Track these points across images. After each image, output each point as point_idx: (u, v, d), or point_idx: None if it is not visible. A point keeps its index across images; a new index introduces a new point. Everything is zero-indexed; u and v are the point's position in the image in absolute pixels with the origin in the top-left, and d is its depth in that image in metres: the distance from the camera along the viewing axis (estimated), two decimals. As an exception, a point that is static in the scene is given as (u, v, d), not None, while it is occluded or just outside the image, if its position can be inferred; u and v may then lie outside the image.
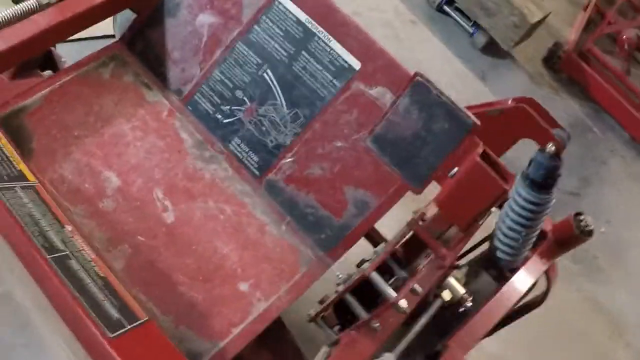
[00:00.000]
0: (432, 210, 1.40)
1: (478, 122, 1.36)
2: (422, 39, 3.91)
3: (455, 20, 4.02)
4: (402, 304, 1.33)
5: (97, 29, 1.98)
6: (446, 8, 4.03)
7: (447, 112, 1.40)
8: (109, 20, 2.11)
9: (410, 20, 3.99)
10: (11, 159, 1.29)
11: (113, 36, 2.45)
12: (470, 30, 3.96)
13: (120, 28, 2.04)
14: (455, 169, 1.37)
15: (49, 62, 2.05)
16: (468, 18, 3.96)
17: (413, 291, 1.37)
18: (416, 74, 1.41)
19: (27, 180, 1.28)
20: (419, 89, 1.40)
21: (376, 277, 1.37)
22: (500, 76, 3.94)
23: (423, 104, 1.41)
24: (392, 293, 1.34)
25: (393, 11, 3.98)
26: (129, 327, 1.11)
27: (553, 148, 1.31)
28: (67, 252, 1.16)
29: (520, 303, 1.70)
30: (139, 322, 1.14)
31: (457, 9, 3.99)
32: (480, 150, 1.35)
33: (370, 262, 1.42)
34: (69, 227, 1.22)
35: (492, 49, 3.94)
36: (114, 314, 1.12)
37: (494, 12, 3.75)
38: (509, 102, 1.50)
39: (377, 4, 3.93)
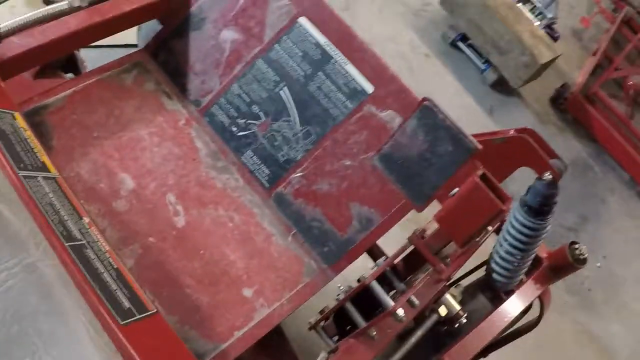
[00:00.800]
0: (432, 228, 1.46)
1: (480, 147, 1.43)
2: (435, 72, 4.00)
3: (468, 56, 4.11)
4: (399, 312, 1.38)
5: (120, 38, 2.06)
6: (460, 44, 4.12)
7: (451, 136, 1.46)
8: (132, 30, 2.18)
9: (425, 54, 4.08)
10: (35, 150, 1.34)
11: (134, 45, 2.52)
12: (482, 66, 4.05)
13: (143, 38, 2.11)
14: (456, 189, 1.43)
15: (72, 64, 2.12)
16: (480, 55, 4.04)
17: (410, 303, 1.42)
18: (425, 99, 1.48)
19: (49, 171, 1.32)
20: (427, 113, 1.46)
21: (376, 286, 1.42)
22: (507, 112, 4.01)
23: (429, 126, 1.48)
24: (390, 301, 1.39)
25: (408, 44, 4.07)
26: (138, 316, 1.16)
27: (550, 177, 1.38)
28: (84, 242, 1.20)
29: (515, 326, 1.74)
30: (148, 313, 1.19)
31: (471, 46, 4.08)
32: (480, 172, 1.41)
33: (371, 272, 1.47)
34: (86, 219, 1.26)
35: (501, 86, 4.03)
36: (125, 303, 1.16)
37: (506, 51, 3.83)
38: (511, 132, 1.56)
39: (393, 35, 4.02)
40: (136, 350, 1.07)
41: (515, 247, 1.54)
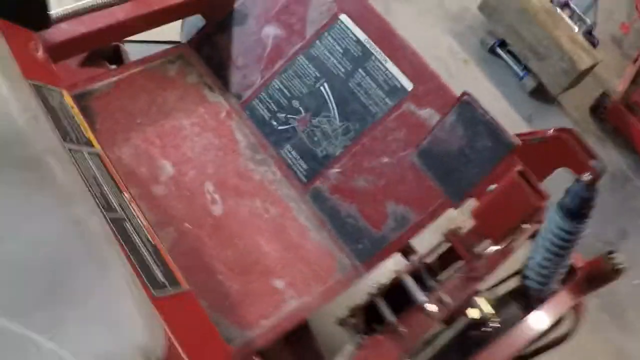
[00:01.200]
0: (467, 226, 1.46)
1: (519, 142, 1.43)
2: (473, 78, 3.98)
3: (507, 62, 4.08)
4: (430, 308, 1.38)
5: (163, 34, 2.10)
6: (498, 50, 4.09)
7: (490, 131, 1.47)
8: (175, 27, 2.22)
9: (463, 60, 4.06)
10: (81, 126, 1.36)
11: (177, 42, 2.58)
12: (520, 73, 4.01)
13: (186, 33, 2.15)
14: (494, 186, 1.42)
15: (117, 56, 2.17)
16: (519, 61, 4.01)
17: (442, 301, 1.42)
18: (464, 93, 1.49)
19: (93, 147, 1.35)
20: (466, 107, 1.48)
21: (409, 280, 1.42)
22: (545, 121, 3.96)
23: (468, 121, 1.49)
24: (422, 296, 1.40)
25: (447, 50, 4.06)
26: (172, 291, 1.17)
27: (589, 178, 1.37)
28: (124, 216, 1.22)
29: (546, 338, 1.72)
30: (181, 289, 1.20)
31: (509, 52, 4.05)
32: (519, 167, 1.41)
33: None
34: (126, 195, 1.29)
35: (540, 93, 3.98)
36: (160, 277, 1.17)
37: (545, 57, 3.80)
38: (550, 131, 1.56)
39: (432, 41, 4.01)
40: (167, 323, 1.08)
41: (550, 251, 1.53)
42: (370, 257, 1.69)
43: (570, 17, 4.08)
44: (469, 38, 4.18)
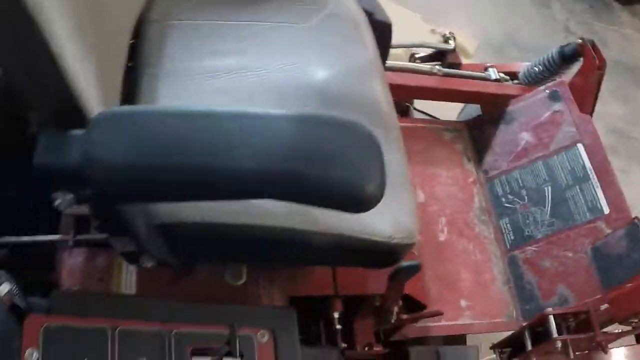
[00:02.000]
0: (604, 307, 1.98)
1: None
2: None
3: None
4: (558, 344, 1.92)
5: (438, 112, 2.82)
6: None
7: None
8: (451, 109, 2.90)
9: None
10: None
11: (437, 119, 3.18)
12: None
13: (465, 114, 2.84)
14: (630, 284, 1.93)
15: (402, 110, 2.78)
16: None
17: (566, 346, 1.91)
18: (636, 217, 2.02)
19: None
20: (635, 229, 2.00)
21: (552, 320, 1.94)
22: None
23: (632, 238, 2.00)
24: (554, 331, 1.92)
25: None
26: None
27: None
28: None
29: None
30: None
31: None
32: None
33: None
34: None
35: None
36: None
37: None
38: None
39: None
40: None
41: None
42: (531, 318, 2.17)
43: None
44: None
